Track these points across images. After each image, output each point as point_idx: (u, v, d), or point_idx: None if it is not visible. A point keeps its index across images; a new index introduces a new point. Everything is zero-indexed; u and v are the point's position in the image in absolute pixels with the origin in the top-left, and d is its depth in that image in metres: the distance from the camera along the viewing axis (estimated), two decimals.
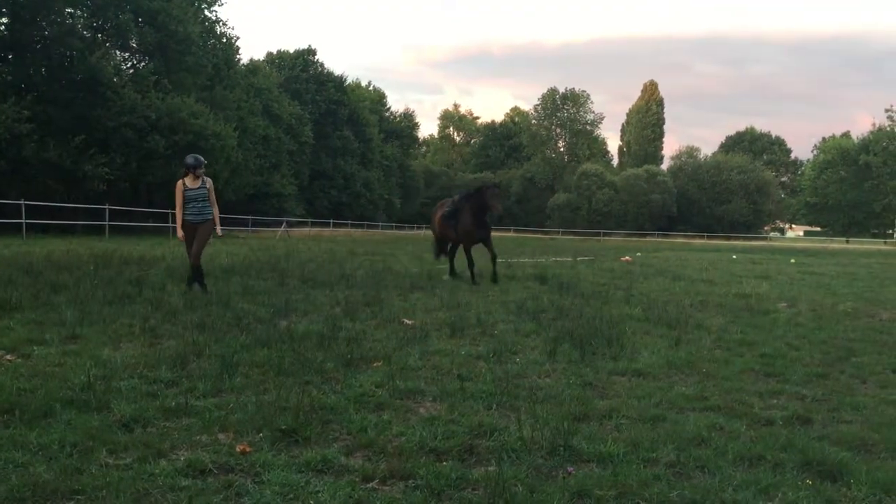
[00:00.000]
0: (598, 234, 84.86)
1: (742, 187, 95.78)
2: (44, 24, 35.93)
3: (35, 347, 6.65)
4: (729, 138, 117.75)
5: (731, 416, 5.27)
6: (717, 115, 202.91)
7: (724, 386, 6.15)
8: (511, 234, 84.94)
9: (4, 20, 36.02)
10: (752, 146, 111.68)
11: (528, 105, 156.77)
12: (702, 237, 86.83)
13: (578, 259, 25.45)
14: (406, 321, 9.03)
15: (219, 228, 11.36)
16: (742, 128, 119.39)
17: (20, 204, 28.11)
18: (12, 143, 31.53)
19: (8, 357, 6.14)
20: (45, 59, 36.15)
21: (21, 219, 28.07)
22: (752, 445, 4.57)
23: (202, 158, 11.49)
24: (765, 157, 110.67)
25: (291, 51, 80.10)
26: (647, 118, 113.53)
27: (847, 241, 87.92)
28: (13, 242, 22.96)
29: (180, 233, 11.34)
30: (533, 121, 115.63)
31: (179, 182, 11.19)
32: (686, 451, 4.40)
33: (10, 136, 31.09)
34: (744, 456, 4.38)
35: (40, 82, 36.10)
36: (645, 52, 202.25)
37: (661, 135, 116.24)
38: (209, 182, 11.32)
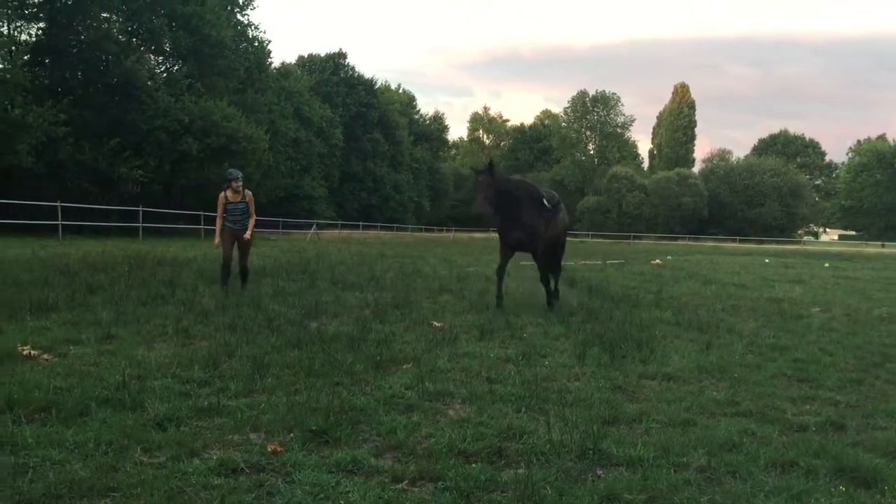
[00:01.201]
0: (628, 238, 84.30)
1: (775, 190, 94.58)
2: (80, 28, 36.52)
3: (71, 347, 6.77)
4: (762, 141, 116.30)
5: (762, 421, 5.22)
6: (749, 117, 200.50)
7: (755, 391, 6.09)
8: None
9: (42, 25, 36.67)
10: (786, 149, 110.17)
11: (557, 107, 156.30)
12: (734, 241, 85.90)
13: (608, 262, 25.31)
14: (435, 323, 9.06)
15: (249, 233, 11.81)
16: (775, 130, 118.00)
17: (56, 206, 28.60)
18: (49, 145, 32.08)
19: (45, 356, 6.25)
20: (82, 63, 36.74)
21: (57, 220, 28.55)
22: (785, 451, 4.53)
23: (239, 172, 12.20)
24: (798, 159, 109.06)
25: (322, 54, 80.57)
26: (679, 121, 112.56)
27: (883, 246, 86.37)
28: (49, 243, 23.36)
29: (217, 241, 11.91)
30: (563, 123, 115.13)
31: (222, 195, 11.74)
32: (717, 456, 4.37)
33: (48, 139, 31.62)
34: (776, 462, 4.34)
35: (76, 86, 36.69)
36: (676, 54, 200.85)
37: (693, 137, 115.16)
38: (249, 195, 11.96)
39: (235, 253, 11.82)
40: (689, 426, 5.00)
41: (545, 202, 11.07)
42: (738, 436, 4.79)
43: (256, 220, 12.20)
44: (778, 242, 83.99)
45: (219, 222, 11.75)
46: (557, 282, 11.97)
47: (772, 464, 4.32)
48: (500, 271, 11.12)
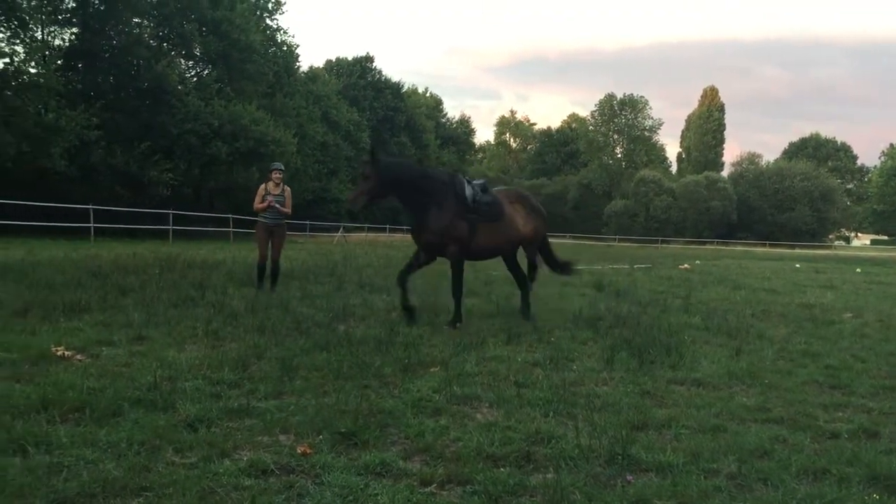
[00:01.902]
0: (655, 242, 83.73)
1: (806, 194, 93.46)
2: (112, 33, 37.05)
3: (104, 348, 6.86)
4: (792, 144, 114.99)
5: (794, 428, 5.17)
6: (780, 120, 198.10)
7: (787, 397, 6.03)
8: (567, 240, 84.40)
9: (75, 30, 37.24)
10: (817, 152, 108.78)
11: (585, 111, 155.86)
12: (763, 245, 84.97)
13: (636, 266, 25.17)
14: (457, 325, 9.13)
15: (286, 209, 12.20)
16: (806, 133, 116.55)
17: (88, 208, 29.01)
18: (82, 149, 32.55)
19: (78, 357, 6.34)
20: (114, 68, 37.25)
21: (89, 223, 28.96)
22: (817, 459, 4.48)
23: (282, 164, 12.85)
24: (830, 163, 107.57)
25: (350, 58, 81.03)
26: (708, 124, 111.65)
27: None
28: (81, 246, 23.71)
29: (259, 202, 12.17)
30: (590, 127, 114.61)
31: (262, 187, 12.23)
32: (748, 462, 4.33)
33: (80, 143, 32.09)
34: (808, 469, 4.29)
35: (108, 90, 37.20)
36: (705, 56, 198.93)
37: (722, 141, 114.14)
38: (288, 190, 12.38)
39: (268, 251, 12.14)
40: (720, 432, 4.96)
41: (471, 197, 9.26)
42: (770, 442, 4.75)
43: (286, 222, 12.50)
44: (809, 247, 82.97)
45: (258, 200, 12.10)
46: (527, 294, 10.44)
47: (804, 471, 4.28)
48: (401, 277, 9.37)
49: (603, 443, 4.51)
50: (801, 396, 6.09)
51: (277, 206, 12.05)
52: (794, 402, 5.87)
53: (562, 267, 11.26)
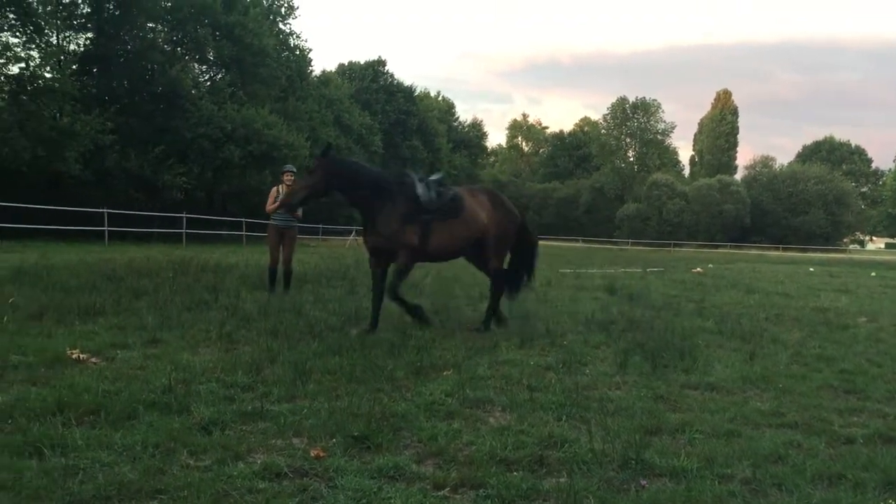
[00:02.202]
0: (668, 245, 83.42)
1: (820, 198, 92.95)
2: (126, 38, 37.30)
3: (118, 351, 6.90)
4: (806, 148, 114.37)
5: (809, 433, 5.14)
6: (793, 123, 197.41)
7: (801, 402, 5.99)
8: (580, 244, 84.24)
9: (90, 35, 37.51)
10: (831, 156, 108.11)
11: (597, 114, 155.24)
12: (777, 249, 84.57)
13: (648, 270, 25.10)
14: (469, 327, 9.16)
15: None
16: (820, 137, 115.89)
17: (103, 212, 29.20)
18: (96, 153, 32.78)
19: (93, 360, 6.38)
20: (128, 73, 37.49)
21: (104, 226, 29.14)
22: (832, 464, 4.45)
23: (293, 167, 12.97)
24: (844, 166, 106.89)
25: (362, 62, 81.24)
26: (721, 127, 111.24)
27: None
28: (96, 249, 23.86)
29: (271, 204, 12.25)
30: (602, 130, 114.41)
31: (274, 189, 12.42)
32: (762, 467, 4.31)
33: (95, 147, 32.31)
34: (823, 474, 4.27)
35: (123, 94, 37.45)
36: (718, 60, 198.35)
37: (735, 144, 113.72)
38: None
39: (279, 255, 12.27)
40: (734, 437, 4.94)
41: (425, 196, 8.71)
42: (784, 447, 4.73)
43: (297, 225, 12.55)
44: (823, 251, 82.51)
45: (270, 201, 12.22)
46: (496, 302, 9.64)
47: (818, 476, 4.25)
48: (391, 291, 8.83)
49: (616, 447, 4.49)
50: (816, 401, 6.05)
51: (285, 225, 12.25)
52: (808, 407, 5.84)
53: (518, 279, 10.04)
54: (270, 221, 12.42)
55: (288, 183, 12.02)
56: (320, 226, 51.50)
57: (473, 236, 9.19)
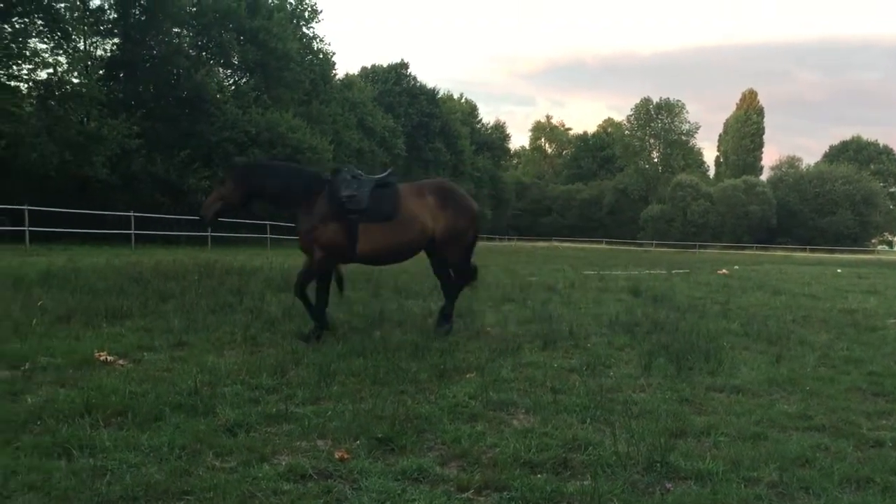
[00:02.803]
0: (693, 247, 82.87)
1: (847, 198, 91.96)
2: (152, 43, 37.72)
3: (145, 353, 6.97)
4: (833, 148, 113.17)
5: (836, 436, 5.08)
6: (820, 123, 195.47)
7: (829, 405, 5.92)
8: (603, 245, 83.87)
9: (116, 41, 37.98)
10: (858, 155, 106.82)
11: (621, 115, 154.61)
12: (804, 250, 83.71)
13: (673, 271, 24.93)
14: (488, 329, 9.17)
15: None
16: (847, 137, 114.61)
17: (129, 215, 29.52)
18: (123, 157, 33.20)
19: (120, 362, 6.45)
20: (154, 77, 37.93)
21: (130, 229, 29.47)
22: (860, 467, 4.40)
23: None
24: (872, 166, 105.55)
25: (385, 65, 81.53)
26: (746, 127, 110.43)
27: None
28: (123, 252, 24.12)
29: None
30: (626, 131, 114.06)
31: None
32: (789, 471, 4.27)
33: (121, 151, 32.70)
34: (850, 478, 4.22)
35: (149, 99, 37.88)
36: (743, 60, 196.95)
37: (761, 145, 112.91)
38: None
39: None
40: (760, 440, 4.89)
41: (347, 197, 8.08)
42: (811, 450, 4.67)
43: None
44: (850, 252, 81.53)
45: None
46: (449, 305, 9.10)
47: (846, 480, 4.20)
48: (318, 291, 8.43)
49: (641, 450, 4.47)
50: (844, 404, 5.98)
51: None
52: (836, 410, 5.76)
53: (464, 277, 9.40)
54: None
55: None
56: None
57: (416, 239, 8.50)
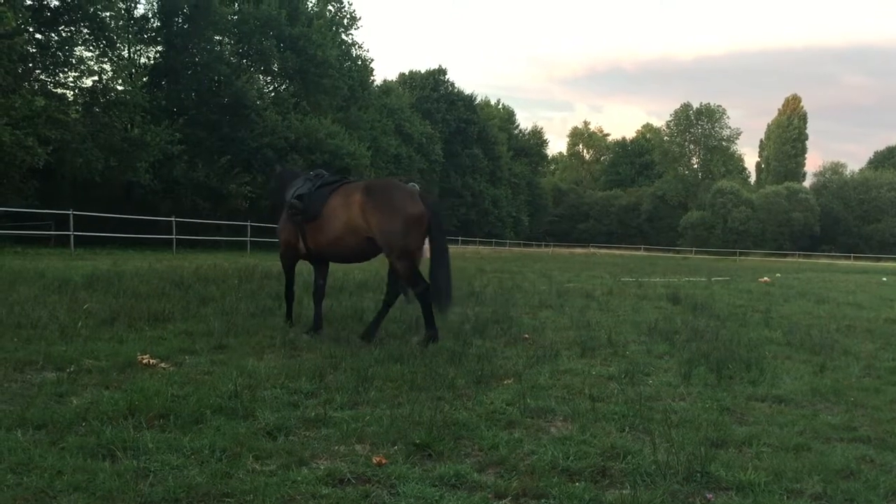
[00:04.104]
0: (733, 254, 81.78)
1: (893, 205, 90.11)
2: (194, 51, 38.31)
3: (186, 356, 7.06)
4: (878, 153, 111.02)
5: (882, 448, 4.97)
6: (865, 129, 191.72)
7: (874, 416, 5.80)
8: (641, 252, 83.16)
9: (159, 48, 38.65)
10: None
11: (660, 121, 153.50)
12: (848, 258, 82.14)
13: (713, 279, 24.63)
14: (525, 336, 9.14)
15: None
16: (892, 142, 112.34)
17: (171, 220, 30.00)
18: (165, 163, 33.75)
19: (163, 365, 6.55)
20: (196, 84, 38.51)
21: (172, 234, 29.92)
22: None
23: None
24: None
25: (423, 71, 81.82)
26: (788, 133, 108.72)
27: None
28: (165, 257, 24.51)
29: None
30: (665, 137, 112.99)
31: None
32: (833, 483, 4.18)
33: (164, 157, 33.25)
34: None
35: (190, 106, 38.47)
36: (786, 64, 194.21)
37: (804, 150, 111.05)
38: None
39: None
40: (803, 451, 4.81)
41: (291, 199, 8.74)
42: (856, 462, 4.58)
43: None
44: None
45: None
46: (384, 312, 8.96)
47: (892, 493, 4.11)
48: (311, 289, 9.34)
49: (681, 459, 4.41)
50: (890, 415, 5.85)
51: None
52: (881, 421, 5.64)
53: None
54: None
55: None
56: None
57: (342, 237, 8.45)
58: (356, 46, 51.20)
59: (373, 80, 56.82)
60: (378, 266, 22.92)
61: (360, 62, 51.60)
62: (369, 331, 8.59)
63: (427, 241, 8.69)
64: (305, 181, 8.97)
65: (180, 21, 37.80)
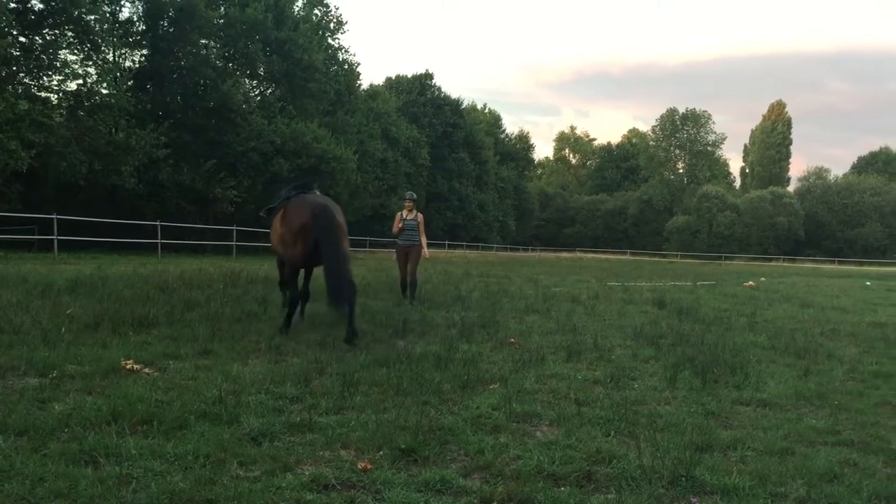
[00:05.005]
0: (718, 258, 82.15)
1: (876, 210, 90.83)
2: (180, 54, 38.10)
3: (171, 361, 7.02)
4: (861, 159, 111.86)
5: (865, 451, 5.00)
6: (848, 134, 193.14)
7: (857, 420, 5.84)
8: (627, 256, 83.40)
9: (145, 52, 38.44)
10: (888, 167, 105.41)
11: (646, 126, 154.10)
12: (832, 262, 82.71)
13: (699, 283, 24.73)
14: (511, 340, 9.15)
15: (426, 251, 14.05)
16: (876, 147, 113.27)
17: (156, 224, 29.82)
18: (150, 167, 33.53)
19: (147, 370, 6.51)
20: (181, 88, 38.29)
21: (157, 238, 29.76)
22: (889, 483, 4.34)
23: (414, 194, 14.48)
24: None
25: (409, 75, 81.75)
26: (773, 138, 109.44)
27: None
28: (149, 261, 24.35)
29: (395, 256, 14.48)
30: (651, 142, 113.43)
31: (399, 213, 14.03)
32: (817, 486, 4.21)
33: (149, 161, 33.05)
34: (880, 494, 4.16)
35: (176, 109, 38.24)
36: (771, 70, 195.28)
37: (788, 155, 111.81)
38: (420, 216, 14.06)
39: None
40: (787, 455, 4.83)
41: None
42: (840, 466, 4.61)
43: (418, 244, 13.84)
44: (880, 265, 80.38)
45: (396, 227, 13.82)
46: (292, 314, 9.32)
47: (875, 496, 4.14)
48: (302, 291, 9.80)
49: (666, 464, 4.43)
50: (873, 419, 5.89)
51: (409, 244, 13.73)
52: (865, 425, 5.69)
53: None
54: (397, 241, 13.96)
55: (409, 207, 13.83)
56: (367, 238, 51.96)
57: (290, 244, 9.01)
58: (343, 51, 51.04)
59: (359, 85, 56.65)
60: (365, 272, 22.91)
61: (346, 66, 51.45)
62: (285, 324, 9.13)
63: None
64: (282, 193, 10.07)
65: (166, 24, 37.60)
